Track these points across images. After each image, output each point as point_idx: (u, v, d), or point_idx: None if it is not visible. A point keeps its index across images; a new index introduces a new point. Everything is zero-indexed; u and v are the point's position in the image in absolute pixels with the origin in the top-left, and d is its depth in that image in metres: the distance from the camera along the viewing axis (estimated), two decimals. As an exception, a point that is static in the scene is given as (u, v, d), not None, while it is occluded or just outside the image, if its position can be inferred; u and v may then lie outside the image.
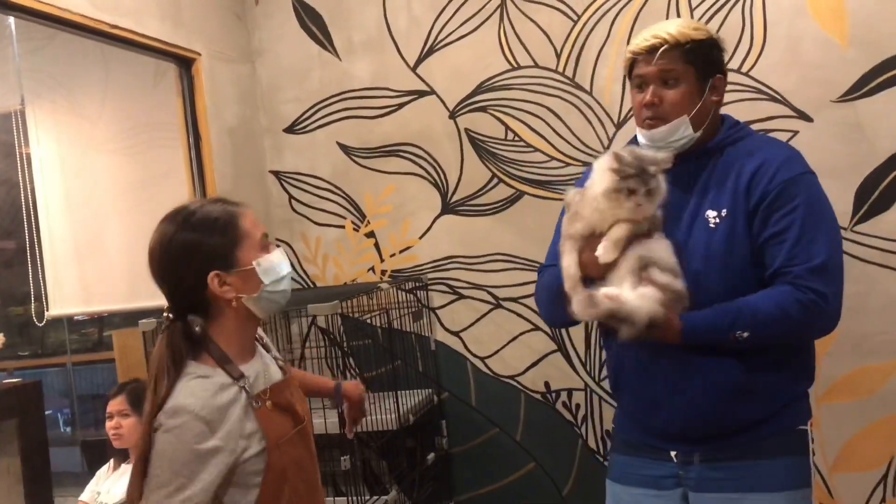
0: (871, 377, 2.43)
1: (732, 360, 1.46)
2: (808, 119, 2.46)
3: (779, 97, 2.49)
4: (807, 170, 1.50)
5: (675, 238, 1.49)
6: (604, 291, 1.42)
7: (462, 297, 2.88)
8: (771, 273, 1.45)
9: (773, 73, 2.49)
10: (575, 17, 2.70)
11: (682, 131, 1.51)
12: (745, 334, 1.42)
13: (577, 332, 2.76)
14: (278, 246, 1.40)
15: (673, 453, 1.55)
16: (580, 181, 1.66)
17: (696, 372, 1.48)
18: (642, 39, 1.54)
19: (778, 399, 1.51)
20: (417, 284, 2.85)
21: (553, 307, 1.59)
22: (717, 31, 2.16)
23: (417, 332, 2.86)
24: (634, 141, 1.61)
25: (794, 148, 1.56)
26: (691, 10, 2.56)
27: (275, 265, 1.34)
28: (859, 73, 2.40)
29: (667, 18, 2.59)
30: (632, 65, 1.57)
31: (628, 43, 1.63)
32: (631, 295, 1.41)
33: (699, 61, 1.51)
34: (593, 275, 1.48)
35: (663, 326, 1.42)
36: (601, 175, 1.48)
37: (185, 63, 2.71)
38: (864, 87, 2.40)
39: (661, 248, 1.47)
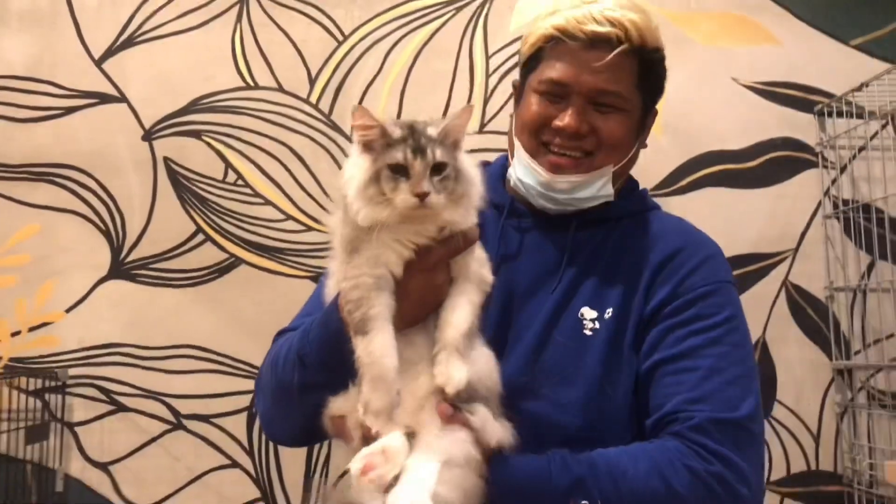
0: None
1: None
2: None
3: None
4: (732, 279, 1.04)
5: (520, 338, 0.97)
6: (365, 459, 0.79)
7: (122, 408, 1.91)
8: (656, 418, 0.93)
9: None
10: (340, 38, 2.02)
11: (599, 187, 1.02)
12: None
13: (297, 472, 1.88)
14: None
15: None
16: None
17: None
18: (585, 15, 0.97)
19: None
20: (50, 384, 1.88)
21: (282, 405, 0.98)
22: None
23: (35, 461, 1.84)
24: (497, 177, 1.09)
25: (715, 243, 1.06)
26: (487, 58, 2.01)
27: None
28: (673, 166, 2.00)
29: (457, 60, 2.00)
30: (538, 51, 1.02)
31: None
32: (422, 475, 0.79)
33: (650, 85, 1.03)
34: None
35: None
36: (354, 162, 0.87)
37: None
38: (678, 182, 1.99)
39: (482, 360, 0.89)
